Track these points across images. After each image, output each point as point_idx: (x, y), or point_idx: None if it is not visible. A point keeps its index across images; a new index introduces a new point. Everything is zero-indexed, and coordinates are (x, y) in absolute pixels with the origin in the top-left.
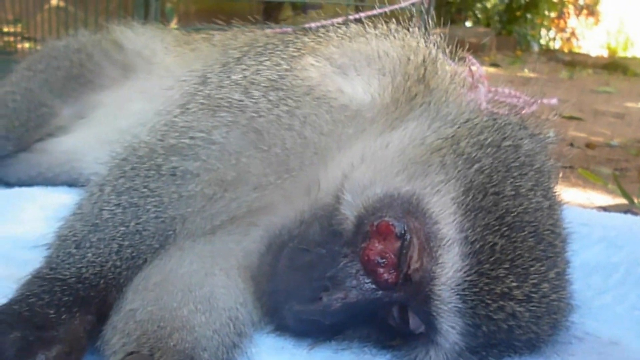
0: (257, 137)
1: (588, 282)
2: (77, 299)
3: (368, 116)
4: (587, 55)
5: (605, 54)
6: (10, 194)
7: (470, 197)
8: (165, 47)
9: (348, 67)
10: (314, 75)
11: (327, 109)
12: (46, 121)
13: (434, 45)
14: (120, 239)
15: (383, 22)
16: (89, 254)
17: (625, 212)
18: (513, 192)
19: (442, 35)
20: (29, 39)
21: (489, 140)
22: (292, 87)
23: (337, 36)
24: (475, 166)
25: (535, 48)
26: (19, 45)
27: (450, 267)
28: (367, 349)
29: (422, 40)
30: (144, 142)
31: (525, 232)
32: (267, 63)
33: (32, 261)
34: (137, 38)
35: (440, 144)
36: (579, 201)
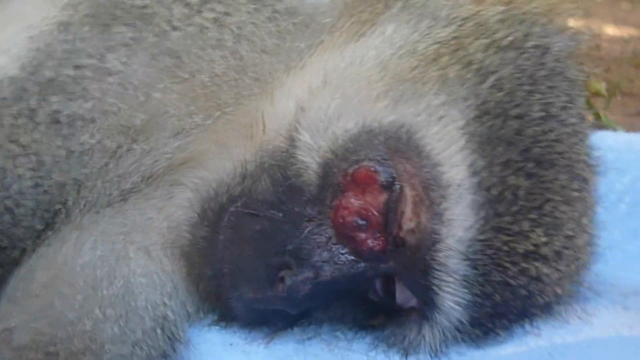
0: (173, 60)
1: None
2: None
3: (326, 22)
4: None
5: None
6: None
7: (486, 124)
8: None
9: None
10: None
11: (270, 15)
12: None
13: None
14: None
15: None
16: None
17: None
18: (542, 114)
19: None
20: None
21: (508, 40)
22: None
23: None
24: (491, 79)
25: None
26: None
27: (458, 224)
28: (340, 333)
29: None
30: (9, 77)
31: (557, 168)
32: None
33: None
34: None
35: (438, 51)
36: None
